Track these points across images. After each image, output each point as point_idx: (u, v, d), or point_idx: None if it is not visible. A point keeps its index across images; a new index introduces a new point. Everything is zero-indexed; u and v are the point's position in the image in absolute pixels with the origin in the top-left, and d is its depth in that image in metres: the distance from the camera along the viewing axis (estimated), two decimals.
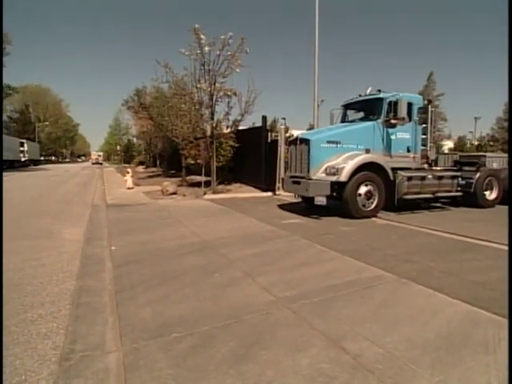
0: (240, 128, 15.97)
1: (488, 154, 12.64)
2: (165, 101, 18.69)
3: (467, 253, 5.44)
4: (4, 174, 29.95)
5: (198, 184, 15.74)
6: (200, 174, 15.67)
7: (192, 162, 16.12)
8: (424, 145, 9.62)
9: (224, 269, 4.68)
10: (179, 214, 9.30)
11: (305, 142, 8.72)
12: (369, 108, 9.58)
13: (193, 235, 6.74)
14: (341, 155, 8.51)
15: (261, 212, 9.46)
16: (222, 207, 10.47)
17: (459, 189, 10.11)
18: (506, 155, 12.54)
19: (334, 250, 5.52)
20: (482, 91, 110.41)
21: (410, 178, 8.94)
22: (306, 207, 9.81)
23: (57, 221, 8.50)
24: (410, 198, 9.10)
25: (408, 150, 9.35)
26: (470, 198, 10.30)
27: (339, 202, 8.56)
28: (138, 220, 8.56)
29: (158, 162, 36.85)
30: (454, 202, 10.72)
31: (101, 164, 69.44)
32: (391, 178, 8.72)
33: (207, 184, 14.65)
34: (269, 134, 14.76)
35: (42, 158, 68.48)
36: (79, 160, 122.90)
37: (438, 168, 10.54)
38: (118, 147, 64.02)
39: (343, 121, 10.34)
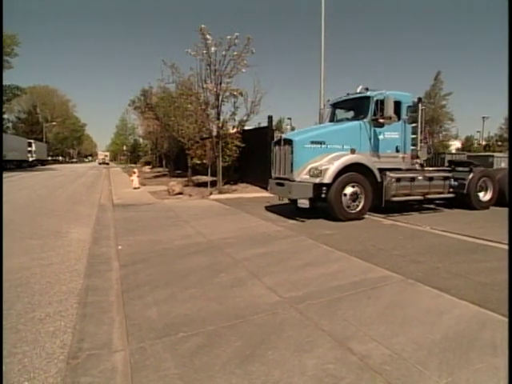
0: (246, 128, 15.98)
1: (496, 154, 12.46)
2: (171, 101, 18.76)
3: (474, 254, 5.39)
4: (12, 173, 30.29)
5: (203, 184, 15.78)
6: (206, 174, 15.70)
7: (198, 162, 16.16)
8: (414, 144, 9.29)
9: (230, 269, 4.69)
10: (185, 213, 9.33)
11: (288, 142, 8.45)
12: (357, 107, 9.31)
13: (199, 235, 6.76)
14: (325, 156, 8.26)
15: (266, 212, 9.45)
16: (227, 207, 10.48)
17: (451, 190, 9.77)
18: None
19: (339, 251, 5.51)
20: (490, 91, 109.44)
21: (398, 179, 8.68)
22: (293, 208, 9.39)
23: (64, 220, 8.58)
24: (399, 199, 8.81)
25: (397, 150, 9.05)
26: (463, 200, 9.97)
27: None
28: (144, 220, 8.60)
29: (164, 162, 36.97)
30: (448, 204, 10.44)
31: (107, 164, 69.91)
32: (378, 179, 8.46)
33: (213, 184, 14.68)
34: (275, 133, 14.73)
35: (50, 158, 69.08)
36: (86, 160, 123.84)
37: (430, 168, 10.18)
38: (125, 147, 64.32)
39: (332, 120, 10.09)
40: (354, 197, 8.17)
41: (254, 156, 15.60)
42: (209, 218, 8.66)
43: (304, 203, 8.04)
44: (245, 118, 14.94)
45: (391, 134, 8.91)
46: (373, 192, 8.41)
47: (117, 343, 2.89)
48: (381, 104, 8.50)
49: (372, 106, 8.69)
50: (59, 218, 8.98)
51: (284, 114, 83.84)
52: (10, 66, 37.52)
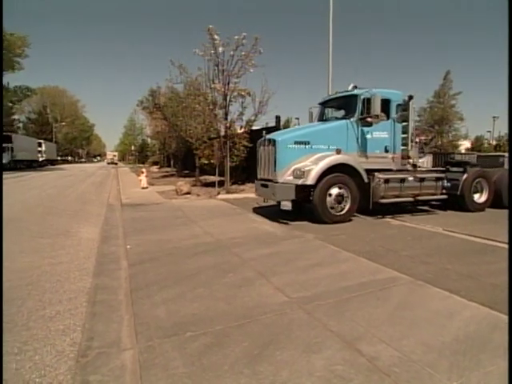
0: (254, 128, 15.99)
1: (506, 154, 12.21)
2: (179, 101, 18.85)
3: (485, 255, 5.33)
4: (22, 173, 30.69)
5: (211, 184, 15.82)
6: (214, 174, 15.74)
7: (206, 162, 16.23)
8: (405, 144, 8.93)
9: (238, 268, 4.69)
10: (193, 213, 9.36)
11: (272, 142, 8.24)
12: (345, 106, 9.02)
13: (206, 235, 6.78)
14: (310, 156, 7.99)
15: (273, 212, 9.43)
16: (235, 207, 10.49)
17: (444, 191, 9.41)
18: None
19: (347, 251, 5.48)
20: (501, 90, 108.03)
21: (387, 181, 8.38)
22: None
23: (74, 220, 8.67)
24: (388, 201, 8.52)
25: (386, 150, 8.71)
26: (456, 201, 9.62)
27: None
28: (152, 219, 8.65)
29: (171, 162, 37.19)
30: (441, 206, 10.03)
31: (116, 164, 70.52)
32: (365, 180, 8.16)
33: (221, 184, 14.72)
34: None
35: (59, 158, 69.89)
36: (95, 160, 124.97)
37: (423, 169, 9.75)
38: (133, 147, 64.83)
39: (321, 119, 9.73)
40: (340, 198, 7.89)
41: None
42: (216, 218, 8.68)
43: (286, 205, 7.80)
44: (252, 118, 14.97)
45: (380, 133, 8.62)
46: (360, 193, 8.16)
47: (126, 342, 2.91)
48: (368, 102, 8.20)
49: (359, 105, 8.40)
50: (69, 217, 9.08)
51: (292, 114, 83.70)
52: (20, 67, 37.97)
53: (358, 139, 8.43)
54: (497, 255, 5.27)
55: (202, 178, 18.78)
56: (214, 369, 2.49)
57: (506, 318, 3.17)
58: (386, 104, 8.53)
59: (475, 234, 6.63)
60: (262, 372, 2.45)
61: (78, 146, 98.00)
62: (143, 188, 16.44)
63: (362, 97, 8.39)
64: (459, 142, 50.16)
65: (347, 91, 9.02)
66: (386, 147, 8.70)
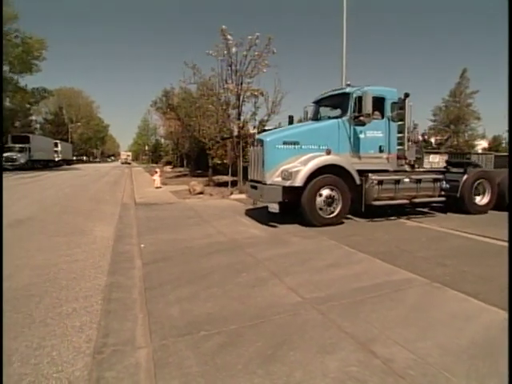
0: (267, 128, 15.97)
1: None
2: (192, 101, 19.00)
3: (502, 256, 5.20)
4: (39, 173, 31.31)
5: (224, 184, 15.87)
6: (226, 174, 15.79)
7: (219, 161, 16.32)
8: (401, 144, 8.56)
9: (251, 268, 4.70)
10: (206, 213, 9.41)
11: (260, 142, 8.01)
12: (338, 104, 8.68)
13: (220, 234, 6.81)
14: (300, 157, 7.70)
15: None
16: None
17: (443, 193, 9.02)
18: None
19: (362, 252, 5.43)
20: None
21: (380, 182, 8.08)
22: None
23: (89, 219, 8.79)
24: (382, 203, 8.22)
25: (381, 151, 8.36)
26: (456, 203, 9.23)
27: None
28: (166, 219, 8.72)
29: (185, 162, 37.46)
30: (442, 208, 9.64)
31: (129, 164, 71.39)
32: (357, 181, 7.83)
33: (234, 184, 14.75)
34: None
35: (74, 158, 70.98)
36: (109, 160, 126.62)
37: (421, 170, 9.33)
38: (146, 147, 65.54)
39: (316, 119, 9.40)
40: (330, 201, 7.59)
41: None
42: (229, 218, 8.70)
43: (274, 208, 7.55)
44: (265, 118, 15.00)
45: (374, 132, 8.27)
46: (353, 195, 7.89)
47: (140, 340, 2.93)
48: (360, 101, 7.87)
49: (351, 103, 8.07)
50: (84, 216, 9.22)
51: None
52: (38, 69, 38.80)
53: (350, 139, 8.13)
54: None
55: (214, 177, 18.87)
56: (227, 368, 2.50)
57: None
58: (380, 102, 8.26)
59: (491, 236, 6.48)
60: (276, 372, 2.44)
61: (92, 146, 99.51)
62: (157, 187, 16.59)
63: (353, 95, 8.09)
64: (476, 142, 49.16)
65: (339, 89, 8.77)
66: (380, 147, 8.38)
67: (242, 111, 14.33)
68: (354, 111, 8.03)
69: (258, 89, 13.98)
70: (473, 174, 9.29)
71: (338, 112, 8.63)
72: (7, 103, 39.52)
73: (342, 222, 7.80)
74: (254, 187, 8.16)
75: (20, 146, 36.96)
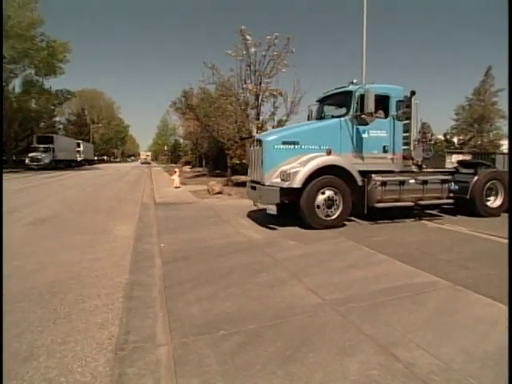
0: None
1: None
2: (211, 102, 19.14)
3: None
4: (62, 172, 32.15)
5: (243, 184, 15.86)
6: (245, 174, 15.77)
7: (237, 161, 16.37)
8: (407, 144, 8.24)
9: (270, 268, 4.70)
10: (225, 213, 9.46)
11: (259, 142, 7.82)
12: (341, 103, 8.44)
13: (238, 234, 6.83)
14: (300, 158, 7.46)
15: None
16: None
17: (451, 195, 8.64)
18: None
19: (381, 253, 5.36)
20: None
21: (384, 183, 7.80)
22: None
23: (110, 218, 8.97)
24: (385, 205, 7.90)
25: (385, 151, 8.03)
26: (466, 206, 8.86)
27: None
28: (185, 218, 8.81)
29: (203, 162, 37.78)
30: (452, 210, 9.26)
31: (149, 163, 72.48)
32: (359, 182, 7.55)
33: None
34: None
35: (96, 158, 72.53)
36: (129, 160, 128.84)
37: (429, 170, 8.91)
38: (166, 147, 66.43)
39: (320, 118, 9.14)
40: (330, 203, 7.34)
41: None
42: (248, 218, 8.72)
43: (272, 209, 7.31)
44: (284, 118, 14.99)
45: (377, 132, 7.95)
46: (355, 197, 7.64)
47: (160, 337, 2.97)
48: (362, 99, 7.57)
49: (354, 102, 7.76)
50: (105, 215, 9.41)
51: None
52: (62, 71, 39.83)
53: (352, 139, 7.83)
54: None
55: (233, 177, 18.92)
56: (246, 368, 2.50)
57: None
58: (384, 100, 7.99)
59: None
60: (296, 373, 2.43)
61: (113, 146, 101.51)
62: (176, 187, 16.76)
63: (356, 93, 7.77)
64: (501, 142, 47.64)
65: (342, 87, 8.42)
66: (384, 147, 8.05)
67: (260, 111, 14.39)
68: (356, 110, 7.76)
69: (276, 89, 14.00)
70: (484, 175, 8.89)
71: (342, 111, 8.37)
72: (33, 105, 40.74)
73: (344, 225, 7.56)
74: (254, 188, 8.00)
75: (44, 146, 38.08)
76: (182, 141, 56.06)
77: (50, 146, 38.85)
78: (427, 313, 3.33)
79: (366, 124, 7.70)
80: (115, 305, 3.65)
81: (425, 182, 8.29)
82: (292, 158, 7.47)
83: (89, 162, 58.84)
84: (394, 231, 7.12)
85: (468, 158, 9.82)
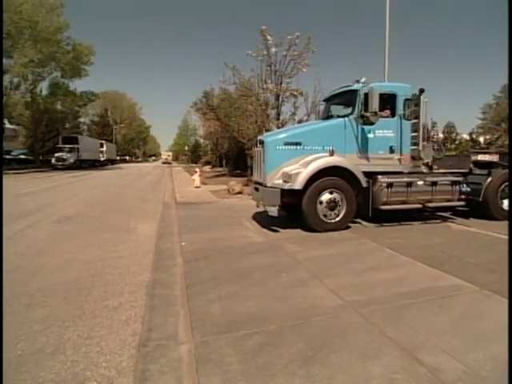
0: None
1: None
2: (231, 102, 19.24)
3: None
4: (85, 172, 32.97)
5: None
6: None
7: None
8: (415, 144, 7.89)
9: (291, 269, 4.69)
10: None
11: (262, 143, 7.68)
12: (347, 102, 8.13)
13: (259, 234, 6.84)
14: (302, 158, 7.27)
15: None
16: None
17: (463, 197, 8.19)
18: None
19: (404, 255, 5.25)
20: None
21: (390, 185, 7.51)
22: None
23: (132, 216, 9.14)
24: (392, 208, 7.60)
25: (391, 151, 7.71)
26: (479, 209, 8.37)
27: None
28: (205, 218, 8.88)
29: (223, 162, 38.02)
30: (465, 212, 8.72)
31: (170, 163, 73.43)
32: (363, 184, 7.30)
33: None
34: None
35: (118, 158, 74.01)
36: (150, 160, 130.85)
37: (441, 171, 8.48)
38: (186, 147, 67.21)
39: (327, 117, 8.81)
40: (333, 205, 7.12)
41: None
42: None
43: (273, 211, 7.15)
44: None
45: (384, 132, 7.65)
46: (361, 199, 7.45)
47: (182, 335, 3.01)
48: (367, 98, 7.30)
49: (359, 101, 7.48)
50: (128, 214, 9.59)
51: None
52: (86, 73, 40.93)
53: (357, 139, 7.57)
54: None
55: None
56: (267, 368, 2.50)
57: None
58: (391, 99, 7.70)
59: None
60: (317, 375, 2.42)
61: (135, 146, 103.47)
62: (196, 187, 16.91)
63: (361, 92, 7.49)
64: None
65: (347, 86, 8.14)
66: (391, 147, 7.72)
67: (281, 111, 14.37)
68: (361, 109, 7.47)
69: (297, 88, 13.94)
70: (499, 176, 8.32)
71: (348, 110, 8.08)
72: (59, 106, 42.00)
73: (349, 227, 7.36)
74: (257, 189, 7.90)
75: (69, 146, 39.16)
76: (202, 141, 56.59)
77: (75, 146, 39.91)
78: (452, 317, 3.25)
79: (372, 123, 7.41)
80: (138, 302, 3.72)
81: (434, 184, 7.96)
82: (295, 159, 7.32)
83: (111, 162, 60.07)
84: (416, 233, 6.96)
85: (495, 158, 9.33)
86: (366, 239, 6.35)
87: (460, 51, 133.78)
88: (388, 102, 7.68)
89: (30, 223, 8.00)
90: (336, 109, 8.78)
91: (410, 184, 7.72)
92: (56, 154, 37.80)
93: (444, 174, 8.40)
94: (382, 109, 7.48)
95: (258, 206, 8.14)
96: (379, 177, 7.53)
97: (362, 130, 7.56)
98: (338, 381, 2.35)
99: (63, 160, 37.52)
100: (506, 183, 8.35)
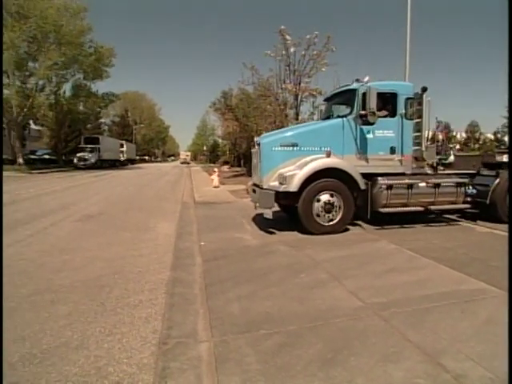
0: None
1: None
2: (250, 102, 19.28)
3: None
4: (106, 171, 33.61)
5: None
6: None
7: None
8: (418, 144, 7.61)
9: (310, 269, 4.66)
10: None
11: (258, 145, 7.53)
12: (346, 102, 7.89)
13: (278, 234, 6.82)
14: (299, 160, 7.12)
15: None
16: None
17: (468, 199, 7.88)
18: None
19: (426, 257, 5.14)
20: None
21: (390, 187, 7.28)
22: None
23: (152, 215, 9.27)
24: (392, 211, 7.38)
25: (392, 152, 7.47)
26: (487, 211, 8.03)
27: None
28: (224, 217, 8.92)
29: (242, 162, 38.12)
30: (472, 215, 8.40)
31: (188, 163, 74.09)
32: (361, 186, 7.08)
33: None
34: None
35: (138, 158, 75.18)
36: (169, 159, 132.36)
37: (446, 172, 8.17)
38: (205, 147, 67.74)
39: (327, 117, 8.62)
40: (329, 207, 6.93)
41: None
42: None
43: (268, 213, 7.02)
44: None
45: (384, 132, 7.42)
46: (359, 201, 7.25)
47: (201, 334, 3.03)
48: (365, 97, 7.05)
49: (358, 101, 7.23)
50: (147, 213, 9.73)
51: None
52: (108, 75, 41.78)
53: (356, 140, 7.36)
54: None
55: None
56: (287, 368, 2.50)
57: None
58: (392, 98, 7.47)
59: None
60: (336, 377, 2.39)
61: (154, 146, 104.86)
62: (215, 187, 17.01)
63: (360, 91, 7.21)
64: None
65: (347, 85, 7.94)
66: (391, 148, 7.48)
67: (299, 111, 14.30)
68: (360, 109, 7.22)
69: (316, 88, 13.86)
70: (507, 178, 7.92)
71: (349, 110, 7.83)
72: (81, 107, 42.99)
73: (347, 229, 7.17)
74: (254, 191, 7.80)
75: (91, 146, 40.05)
76: (220, 141, 56.98)
77: (96, 146, 40.79)
78: (477, 322, 3.16)
79: (371, 124, 7.15)
80: (158, 300, 3.77)
81: (437, 186, 7.66)
82: (291, 161, 7.17)
83: (131, 162, 61.06)
84: (435, 235, 6.79)
85: (505, 158, 8.83)
86: (385, 240, 6.25)
87: (484, 49, 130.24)
88: (388, 101, 7.47)
89: (54, 222, 8.22)
90: (337, 109, 8.59)
91: (411, 186, 7.47)
92: (78, 154, 38.73)
93: (449, 175, 8.09)
94: (382, 108, 7.30)
95: (255, 208, 8.01)
96: (379, 178, 7.33)
97: (361, 130, 7.36)
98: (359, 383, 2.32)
99: (85, 160, 38.39)
100: None
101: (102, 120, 64.97)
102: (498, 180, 7.91)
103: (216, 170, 19.35)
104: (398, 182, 7.40)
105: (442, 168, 8.28)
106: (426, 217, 8.09)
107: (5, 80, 32.27)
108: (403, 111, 7.50)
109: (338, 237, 6.67)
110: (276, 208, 7.70)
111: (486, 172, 8.33)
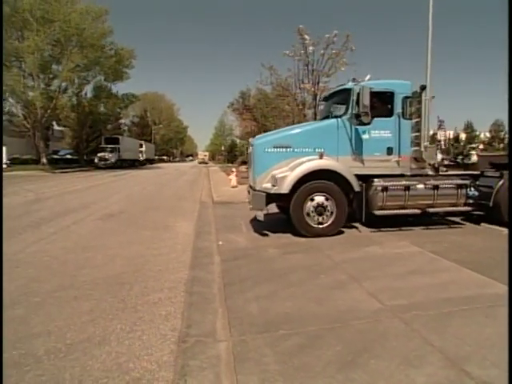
0: None
1: None
2: (268, 102, 19.28)
3: None
4: (125, 171, 34.18)
5: None
6: None
7: None
8: (418, 144, 7.36)
9: (329, 270, 4.63)
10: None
11: (252, 146, 7.50)
12: (342, 101, 7.62)
13: (296, 234, 6.80)
14: (292, 161, 6.99)
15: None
16: None
17: (470, 202, 7.54)
18: None
19: (448, 260, 5.02)
20: None
21: (386, 188, 7.04)
22: None
23: (171, 215, 9.38)
24: (387, 214, 7.12)
25: (389, 153, 7.23)
26: (491, 214, 7.67)
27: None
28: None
29: None
30: (476, 217, 8.03)
31: (206, 163, 74.63)
32: (355, 188, 6.88)
33: None
34: None
35: (156, 158, 76.13)
36: (187, 159, 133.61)
37: (446, 174, 7.90)
38: (223, 147, 68.07)
39: (325, 117, 8.34)
40: (321, 209, 6.77)
41: None
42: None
43: (259, 216, 6.96)
44: None
45: (380, 132, 7.19)
46: (354, 203, 7.07)
47: (220, 333, 3.05)
48: (359, 97, 6.84)
49: (353, 100, 7.01)
50: (166, 212, 9.86)
51: None
52: (127, 76, 42.54)
53: (351, 140, 7.16)
54: None
55: None
56: (305, 369, 2.48)
57: None
58: (389, 97, 7.23)
59: None
60: (356, 379, 2.37)
61: (172, 146, 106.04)
62: (233, 187, 17.04)
63: (355, 91, 6.96)
64: None
65: (342, 85, 7.74)
66: (388, 149, 7.24)
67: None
68: (355, 109, 7.02)
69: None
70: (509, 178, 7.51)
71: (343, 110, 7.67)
72: (102, 108, 43.91)
73: (342, 232, 7.00)
74: (249, 192, 7.72)
75: (111, 146, 40.85)
76: (238, 141, 57.11)
77: (116, 146, 41.55)
78: (502, 328, 3.05)
79: (366, 124, 6.95)
80: (177, 298, 3.81)
81: (436, 187, 7.35)
82: (284, 162, 7.06)
83: (150, 162, 61.86)
84: (464, 237, 6.62)
85: None
86: (406, 242, 6.14)
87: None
88: (385, 100, 7.25)
89: (76, 220, 8.41)
90: (335, 108, 8.31)
91: (408, 188, 7.21)
92: (99, 154, 39.55)
93: (450, 176, 7.81)
94: (378, 108, 7.10)
95: (250, 210, 7.82)
96: (374, 180, 7.13)
97: (356, 130, 7.16)
98: None
99: (105, 160, 39.17)
100: None
101: (122, 120, 66.11)
102: (502, 181, 7.54)
103: (234, 169, 19.41)
104: (394, 183, 7.17)
105: (444, 169, 8.02)
106: (427, 219, 7.84)
107: (30, 82, 33.36)
108: (400, 110, 7.27)
109: (350, 237, 6.63)
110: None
111: (490, 173, 7.99)
